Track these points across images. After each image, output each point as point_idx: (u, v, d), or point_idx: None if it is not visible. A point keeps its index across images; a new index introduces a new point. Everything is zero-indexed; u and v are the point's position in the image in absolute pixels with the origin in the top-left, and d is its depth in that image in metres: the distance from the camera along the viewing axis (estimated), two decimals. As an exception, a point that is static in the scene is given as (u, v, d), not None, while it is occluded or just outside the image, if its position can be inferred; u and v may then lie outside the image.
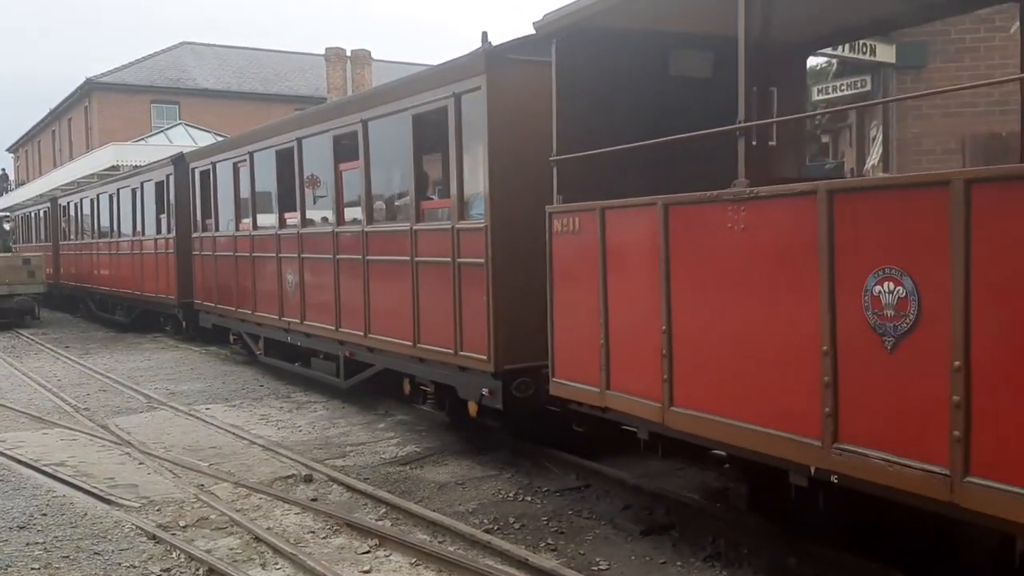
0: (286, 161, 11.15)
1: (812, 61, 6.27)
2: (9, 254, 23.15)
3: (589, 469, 7.15)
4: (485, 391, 7.32)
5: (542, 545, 5.78)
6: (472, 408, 7.71)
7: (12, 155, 60.08)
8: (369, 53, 35.50)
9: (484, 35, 7.49)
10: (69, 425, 9.85)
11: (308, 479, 7.42)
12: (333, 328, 9.92)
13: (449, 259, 7.69)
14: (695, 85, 6.48)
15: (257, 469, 7.81)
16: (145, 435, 9.25)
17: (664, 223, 5.18)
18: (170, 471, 7.80)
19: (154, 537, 6.06)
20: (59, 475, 7.66)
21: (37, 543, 6.04)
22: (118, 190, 19.77)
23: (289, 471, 7.68)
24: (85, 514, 6.63)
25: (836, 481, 4.21)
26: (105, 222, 20.98)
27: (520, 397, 7.08)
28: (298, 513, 6.56)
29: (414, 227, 8.26)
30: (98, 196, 21.58)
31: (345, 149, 9.64)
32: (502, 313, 7.12)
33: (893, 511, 4.23)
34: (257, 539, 5.98)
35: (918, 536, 4.53)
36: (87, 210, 22.61)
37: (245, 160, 12.64)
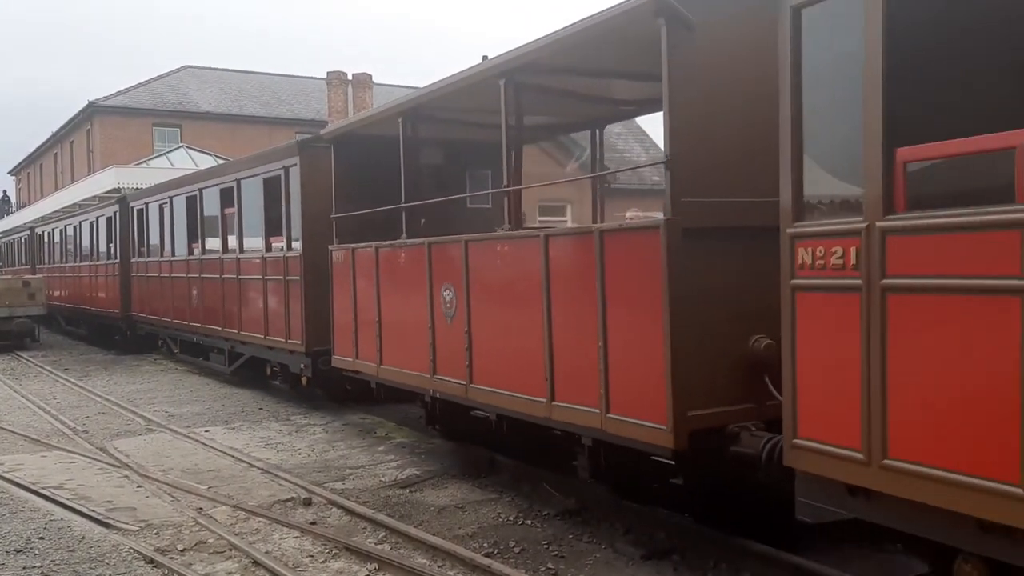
0: (192, 205, 15.19)
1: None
2: (9, 277, 23.32)
3: (589, 493, 7.12)
4: (302, 366, 11.30)
5: (542, 569, 5.74)
6: (304, 380, 11.51)
7: (14, 177, 60.30)
8: (370, 77, 35.74)
9: (298, 141, 11.80)
10: (67, 448, 9.82)
11: (307, 502, 7.39)
12: (220, 328, 13.83)
13: (282, 277, 11.62)
14: (432, 169, 9.84)
15: (256, 492, 7.78)
16: (144, 458, 9.22)
17: (377, 255, 9.01)
18: (169, 494, 7.77)
19: (152, 561, 6.02)
20: (57, 498, 7.63)
21: (35, 567, 6.01)
22: (80, 223, 23.20)
23: (288, 494, 7.65)
24: (83, 537, 6.60)
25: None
26: (71, 249, 24.40)
27: (323, 369, 10.71)
28: (297, 537, 6.52)
29: (264, 255, 12.30)
30: (65, 227, 24.99)
31: (227, 199, 13.58)
32: (310, 312, 10.92)
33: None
34: (256, 563, 5.94)
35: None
36: (57, 238, 26.07)
37: (167, 203, 16.58)
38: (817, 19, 4.25)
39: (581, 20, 5.97)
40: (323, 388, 11.62)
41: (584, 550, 6.12)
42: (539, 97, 7.47)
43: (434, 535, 6.33)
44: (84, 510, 7.24)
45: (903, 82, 3.86)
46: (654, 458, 5.74)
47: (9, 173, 60.62)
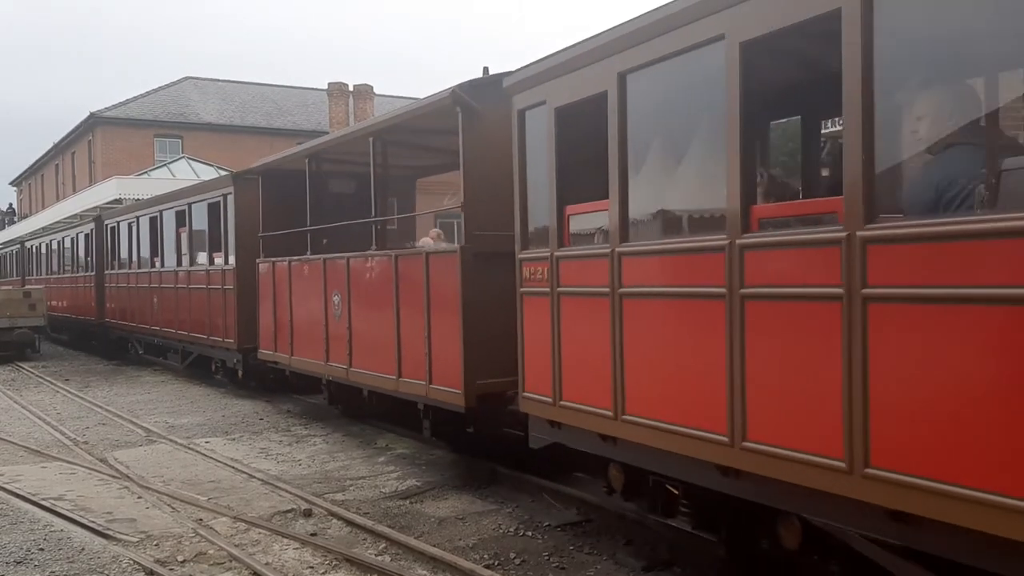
0: (154, 224, 17.55)
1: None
2: (10, 288, 23.44)
3: (591, 504, 7.12)
4: (236, 360, 13.80)
5: (543, 581, 5.73)
6: (239, 373, 13.95)
7: (15, 188, 60.42)
8: (371, 88, 35.86)
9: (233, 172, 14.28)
10: (68, 459, 9.81)
11: (308, 513, 7.38)
12: (175, 331, 16.27)
13: (220, 286, 13.99)
14: (344, 197, 11.68)
15: (256, 503, 7.77)
16: (144, 469, 9.21)
17: (290, 268, 11.58)
18: (169, 505, 7.76)
19: (151, 572, 6.01)
20: (57, 509, 7.62)
21: (34, 578, 6.00)
22: (63, 238, 25.54)
23: (288, 505, 7.64)
24: (83, 549, 6.58)
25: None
26: (55, 262, 26.66)
27: (252, 363, 13.26)
28: (297, 548, 6.51)
29: (207, 268, 14.72)
30: (51, 241, 27.27)
31: (181, 220, 16.06)
32: (241, 314, 13.28)
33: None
34: (255, 574, 5.93)
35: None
36: (43, 251, 28.55)
37: (134, 222, 18.84)
38: (533, 119, 6.48)
39: (415, 104, 8.86)
40: (255, 380, 13.99)
41: (585, 561, 6.11)
42: (396, 150, 10.06)
43: (435, 546, 6.32)
44: (84, 521, 7.22)
45: (567, 168, 6.12)
46: (458, 413, 7.95)
47: (11, 184, 60.77)
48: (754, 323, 4.44)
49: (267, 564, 6.11)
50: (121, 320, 19.78)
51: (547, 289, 6.17)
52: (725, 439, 4.59)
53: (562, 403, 6.08)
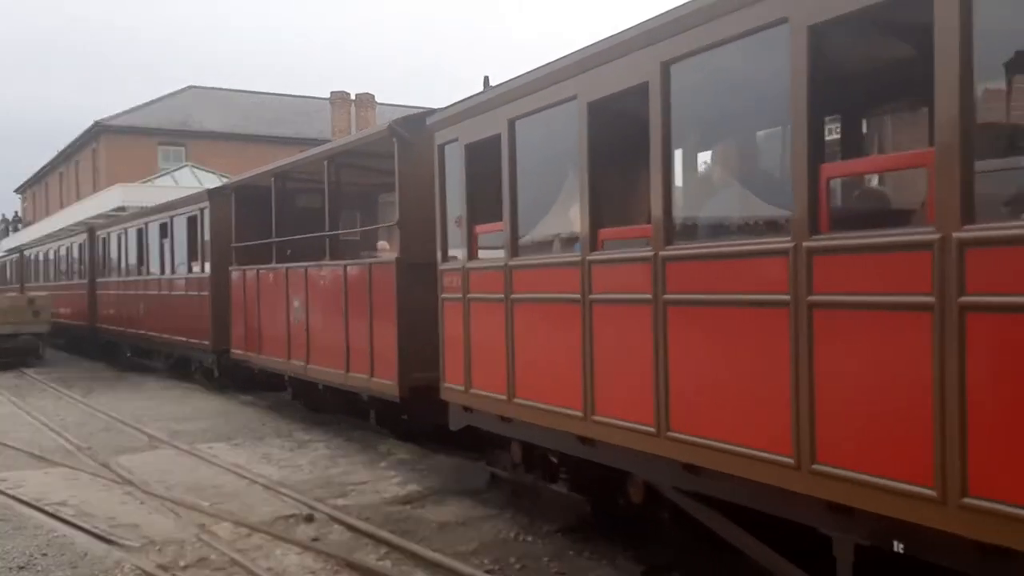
0: (140, 236, 19.02)
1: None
2: (15, 295, 23.58)
3: (590, 510, 7.12)
4: (211, 360, 15.17)
5: (543, 585, 5.75)
6: (216, 373, 15.22)
7: (20, 196, 60.58)
8: (373, 97, 35.95)
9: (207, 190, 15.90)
10: (71, 464, 9.85)
11: (309, 519, 7.40)
12: (159, 335, 17.74)
13: (197, 292, 15.44)
14: (309, 211, 12.10)
15: (258, 508, 7.80)
16: (147, 474, 9.25)
17: (258, 276, 13.10)
18: (171, 510, 7.79)
19: (154, 577, 6.04)
20: (60, 515, 7.66)
21: (37, 583, 6.03)
22: (59, 247, 27.48)
23: (290, 510, 7.67)
24: (86, 554, 6.62)
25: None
26: (52, 270, 28.50)
27: (226, 363, 14.55)
28: (299, 553, 6.54)
29: (186, 276, 16.25)
30: (48, 251, 29.31)
31: (164, 231, 17.51)
32: (216, 318, 14.59)
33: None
34: (257, 579, 5.96)
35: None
36: (41, 259, 30.56)
37: (123, 233, 20.38)
38: (450, 153, 7.72)
39: (361, 134, 11.33)
40: (230, 379, 15.06)
41: (585, 566, 6.13)
42: (347, 172, 11.40)
43: (435, 551, 6.34)
44: (87, 527, 7.26)
45: (476, 194, 7.29)
46: (395, 403, 9.38)
47: (16, 191, 60.93)
48: (599, 321, 5.67)
49: (269, 569, 6.14)
50: (111, 325, 21.18)
51: (460, 295, 7.46)
52: (580, 414, 5.81)
53: (472, 391, 7.33)
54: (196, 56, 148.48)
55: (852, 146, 6.21)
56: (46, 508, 7.88)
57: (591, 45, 5.77)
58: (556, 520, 7.07)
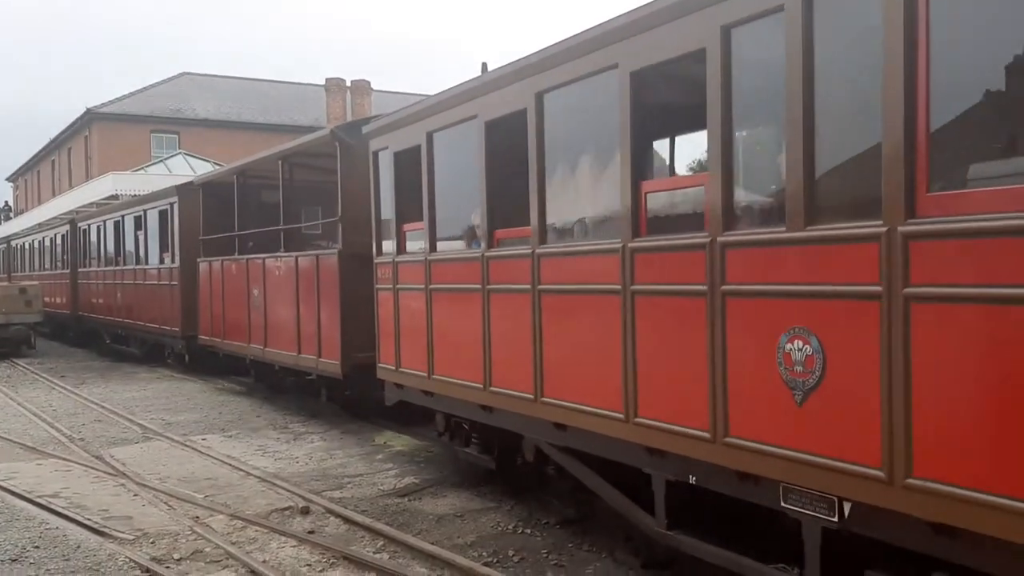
0: (117, 228, 20.13)
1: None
2: (6, 284, 23.49)
3: (589, 502, 7.07)
4: (180, 346, 16.25)
5: (542, 579, 5.69)
6: (186, 358, 16.29)
7: (12, 184, 60.22)
8: (369, 83, 35.81)
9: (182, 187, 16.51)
10: (64, 456, 9.76)
11: (305, 511, 7.33)
12: (134, 322, 18.77)
13: (167, 282, 16.60)
14: (272, 206, 12.74)
15: (253, 501, 7.73)
16: (140, 466, 9.17)
17: (222, 266, 14.02)
18: (165, 503, 7.71)
19: (148, 570, 5.97)
20: (53, 507, 7.57)
21: (29, 576, 5.95)
22: (44, 238, 28.52)
23: (286, 503, 7.59)
24: (79, 547, 6.54)
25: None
26: (37, 260, 29.61)
27: (195, 349, 15.51)
28: (295, 546, 6.47)
29: (159, 267, 17.24)
30: (33, 241, 30.47)
31: (139, 224, 18.60)
32: (185, 306, 15.65)
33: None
34: (252, 572, 5.89)
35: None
36: (27, 250, 31.85)
37: (102, 225, 21.40)
38: (383, 159, 8.73)
39: (308, 137, 11.58)
40: (200, 364, 16.01)
41: (584, 559, 6.07)
42: (301, 171, 12.49)
43: (433, 544, 6.28)
44: (80, 519, 7.18)
45: (404, 196, 8.27)
46: (340, 380, 10.48)
47: (7, 180, 60.57)
48: (495, 307, 6.67)
49: (264, 562, 6.07)
50: (92, 313, 22.30)
51: (391, 286, 8.44)
52: (481, 386, 6.85)
53: (402, 369, 8.34)
54: (189, 43, 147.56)
55: (665, 166, 7.18)
56: (39, 500, 7.80)
57: (490, 72, 6.91)
58: (555, 513, 7.02)
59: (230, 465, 9.12)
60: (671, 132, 6.96)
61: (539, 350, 6.07)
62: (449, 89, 7.34)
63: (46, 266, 27.72)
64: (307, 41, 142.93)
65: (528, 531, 6.70)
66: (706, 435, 4.62)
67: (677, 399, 4.86)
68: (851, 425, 3.83)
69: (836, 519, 4.05)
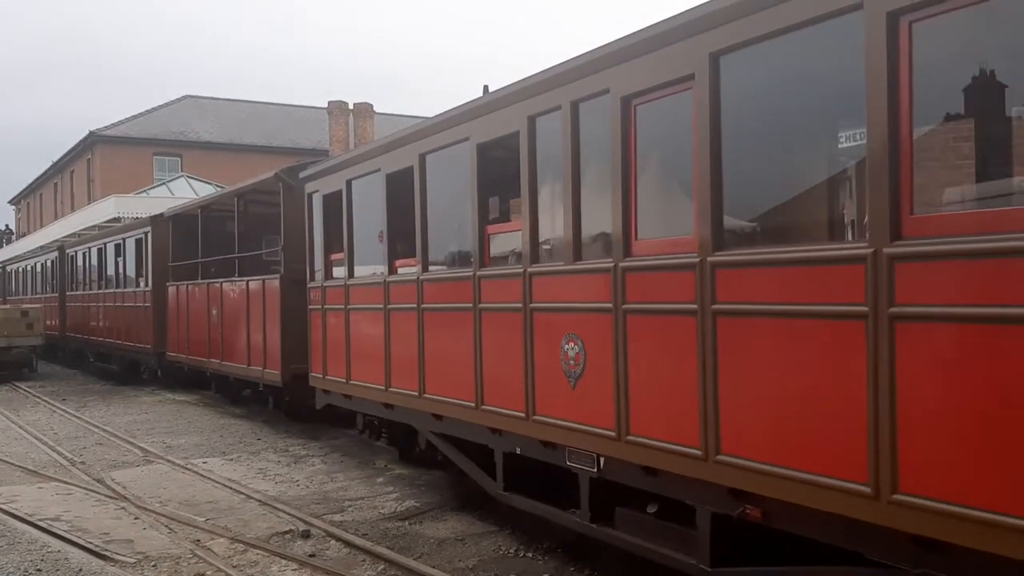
0: (100, 254, 21.85)
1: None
2: (8, 307, 23.54)
3: (591, 526, 7.06)
4: (153, 362, 17.98)
5: (543, 603, 5.69)
6: (158, 372, 18.10)
7: (14, 207, 60.40)
8: (371, 106, 35.91)
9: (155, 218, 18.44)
10: (65, 479, 9.76)
11: (306, 534, 7.33)
12: (112, 341, 20.45)
13: (141, 304, 18.38)
14: (232, 236, 14.30)
15: (254, 524, 7.73)
16: (141, 489, 9.16)
17: (188, 290, 15.91)
18: (166, 526, 7.71)
19: (149, 594, 5.96)
20: (54, 530, 7.57)
21: (30, 600, 5.95)
22: (35, 263, 30.49)
23: (287, 526, 7.60)
24: (80, 570, 6.54)
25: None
26: (29, 284, 31.32)
27: (166, 364, 17.22)
28: (295, 569, 6.47)
29: (135, 290, 18.99)
30: (25, 266, 32.37)
31: (119, 251, 20.40)
32: (156, 325, 17.35)
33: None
34: (254, 596, 5.88)
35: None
36: (20, 273, 33.53)
37: (87, 251, 23.07)
38: (315, 200, 10.32)
39: (257, 179, 13.20)
40: (170, 377, 17.75)
41: (585, 583, 6.06)
42: (256, 206, 14.10)
43: (434, 568, 6.28)
44: (81, 542, 7.18)
45: (330, 232, 9.86)
46: (280, 388, 12.18)
47: (9, 203, 60.75)
48: (394, 322, 8.21)
49: (265, 586, 6.07)
50: (78, 333, 23.96)
51: (320, 307, 10.03)
52: (383, 387, 8.39)
53: (328, 377, 9.81)
54: (192, 66, 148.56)
55: (501, 215, 8.00)
56: (40, 523, 7.80)
57: (390, 136, 8.64)
58: (556, 536, 7.02)
59: (231, 488, 9.12)
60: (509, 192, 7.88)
61: (422, 354, 7.64)
62: (361, 147, 9.45)
63: (38, 290, 29.37)
64: (307, 67, 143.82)
65: (529, 554, 6.70)
66: (522, 415, 6.25)
67: (508, 391, 6.44)
68: (606, 403, 5.43)
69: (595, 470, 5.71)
